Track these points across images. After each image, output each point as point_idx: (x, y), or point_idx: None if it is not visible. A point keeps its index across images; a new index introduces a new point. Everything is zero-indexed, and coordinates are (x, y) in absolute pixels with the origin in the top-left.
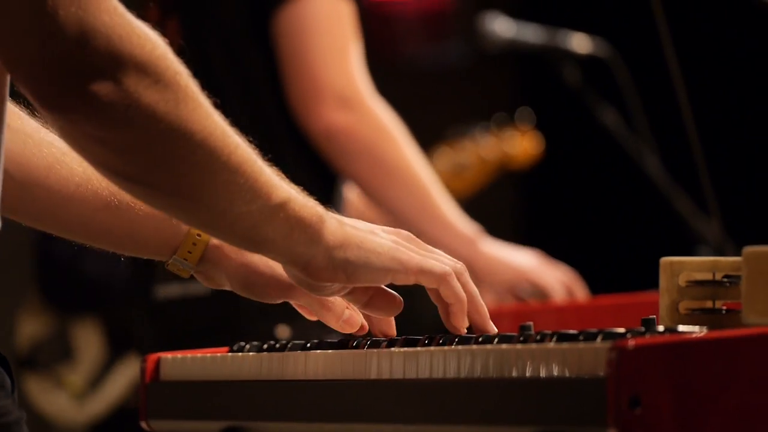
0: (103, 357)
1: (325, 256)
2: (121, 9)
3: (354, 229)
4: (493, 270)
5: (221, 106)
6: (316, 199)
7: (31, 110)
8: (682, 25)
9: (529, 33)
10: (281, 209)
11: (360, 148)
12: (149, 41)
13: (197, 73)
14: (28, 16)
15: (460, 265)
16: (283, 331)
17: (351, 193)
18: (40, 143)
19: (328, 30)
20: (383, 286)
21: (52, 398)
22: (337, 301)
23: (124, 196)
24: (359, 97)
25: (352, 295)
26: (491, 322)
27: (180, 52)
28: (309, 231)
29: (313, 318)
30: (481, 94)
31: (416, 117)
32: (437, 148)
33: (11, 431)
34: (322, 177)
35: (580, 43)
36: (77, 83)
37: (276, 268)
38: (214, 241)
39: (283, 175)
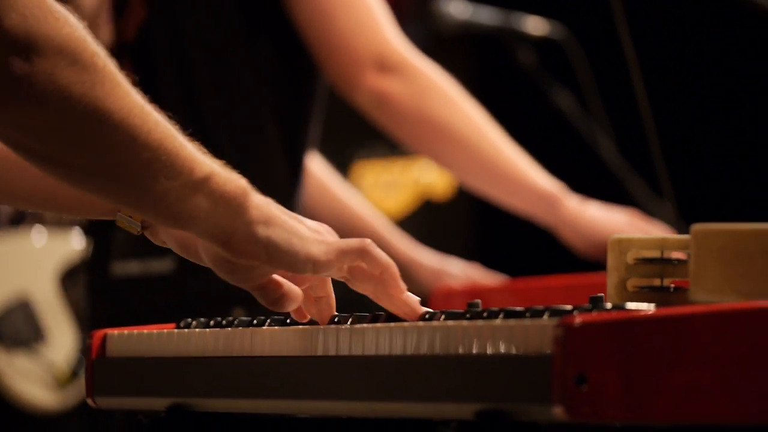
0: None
1: (247, 230)
2: None
3: (279, 211)
4: (582, 233)
5: (195, 77)
6: (281, 177)
7: None
8: (637, 8)
9: (484, 15)
10: (204, 184)
11: (411, 112)
12: (67, 24)
13: (169, 46)
14: None
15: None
16: (239, 314)
17: (313, 165)
18: None
19: None
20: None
21: (29, 384)
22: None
23: None
24: (400, 57)
25: (262, 291)
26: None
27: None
28: (233, 204)
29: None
30: None
31: None
32: (367, 162)
33: None
34: (293, 152)
35: (535, 25)
36: None
37: None
38: None
39: (205, 150)
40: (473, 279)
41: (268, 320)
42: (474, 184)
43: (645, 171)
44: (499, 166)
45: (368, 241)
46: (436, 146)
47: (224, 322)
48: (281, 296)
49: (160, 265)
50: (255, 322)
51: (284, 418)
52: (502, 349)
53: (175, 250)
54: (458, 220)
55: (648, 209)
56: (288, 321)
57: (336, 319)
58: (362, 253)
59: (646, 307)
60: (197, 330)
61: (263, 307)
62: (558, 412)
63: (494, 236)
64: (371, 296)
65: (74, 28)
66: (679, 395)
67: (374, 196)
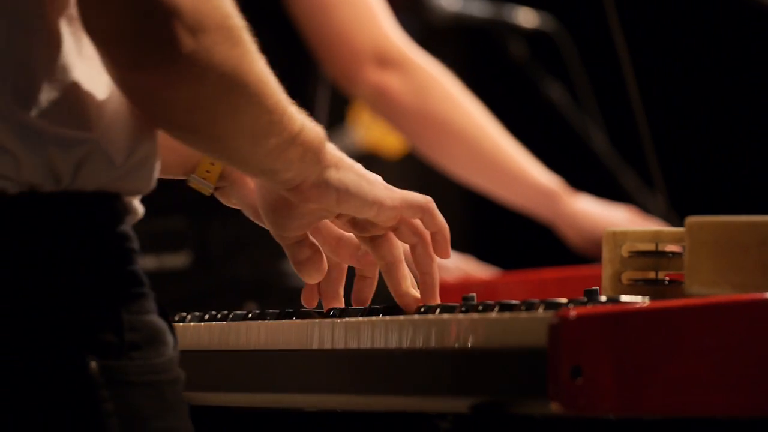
0: None
1: (319, 175)
2: None
3: (347, 156)
4: (581, 230)
5: None
6: None
7: None
8: (628, 0)
9: (475, 7)
10: (298, 136)
11: (410, 107)
12: (222, 1)
13: None
14: None
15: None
16: (251, 308)
17: None
18: None
19: None
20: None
21: None
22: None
23: None
24: (400, 52)
25: (297, 245)
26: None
27: None
28: (315, 152)
29: (312, 281)
30: None
31: None
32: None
33: (163, 390)
34: None
35: (526, 17)
36: (161, 41)
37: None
38: None
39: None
40: (467, 272)
41: (263, 314)
42: (473, 180)
43: (636, 163)
44: (499, 162)
45: (430, 198)
46: (435, 142)
47: (219, 315)
48: (311, 256)
49: (174, 261)
50: (250, 315)
51: (279, 411)
52: (498, 343)
53: (246, 213)
54: (451, 213)
55: (640, 201)
56: (283, 315)
57: (331, 313)
58: (425, 209)
59: (641, 300)
60: (192, 324)
61: (274, 302)
62: (553, 405)
63: (487, 229)
64: (389, 265)
65: (225, 3)
66: (674, 388)
67: (373, 133)
